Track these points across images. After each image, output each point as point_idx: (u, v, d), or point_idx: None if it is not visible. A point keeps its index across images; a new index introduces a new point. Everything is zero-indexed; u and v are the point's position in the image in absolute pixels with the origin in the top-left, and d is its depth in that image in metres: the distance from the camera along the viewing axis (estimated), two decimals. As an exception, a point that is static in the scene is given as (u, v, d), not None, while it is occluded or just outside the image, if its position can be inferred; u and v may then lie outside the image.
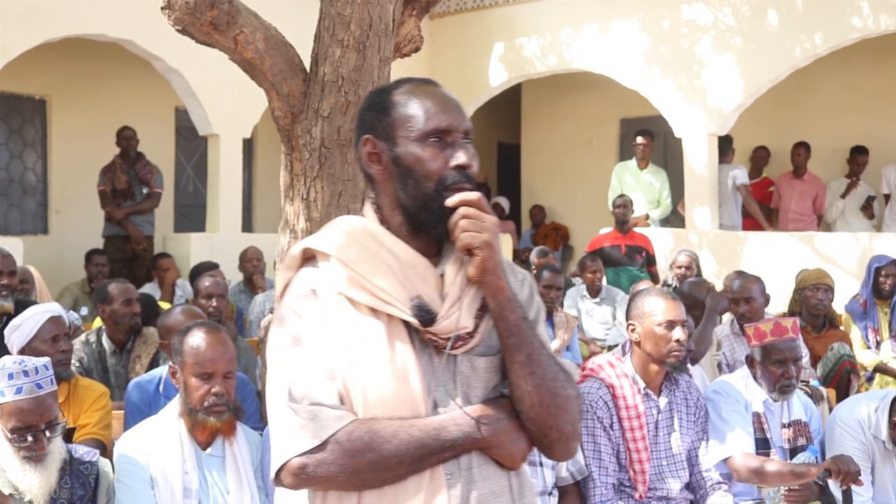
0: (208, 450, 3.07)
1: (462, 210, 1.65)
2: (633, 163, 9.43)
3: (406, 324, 1.67)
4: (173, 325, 4.15)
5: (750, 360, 3.88)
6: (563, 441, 1.72)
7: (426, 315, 1.65)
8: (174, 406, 3.13)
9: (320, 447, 1.60)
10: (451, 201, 1.66)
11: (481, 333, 1.72)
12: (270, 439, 1.68)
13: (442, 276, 1.70)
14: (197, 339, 3.03)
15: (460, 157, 1.70)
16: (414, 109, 1.72)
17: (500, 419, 1.68)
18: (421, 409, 1.65)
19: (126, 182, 8.21)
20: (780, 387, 3.77)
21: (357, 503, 1.65)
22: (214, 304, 5.54)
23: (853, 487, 3.59)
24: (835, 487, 3.66)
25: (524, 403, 1.68)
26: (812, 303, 5.81)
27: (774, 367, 3.76)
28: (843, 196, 9.23)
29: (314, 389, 1.63)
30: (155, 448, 3.03)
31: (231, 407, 3.04)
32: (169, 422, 3.09)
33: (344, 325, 1.66)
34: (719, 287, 6.10)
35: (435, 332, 1.67)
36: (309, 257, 1.76)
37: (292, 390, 1.64)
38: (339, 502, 1.66)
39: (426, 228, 1.71)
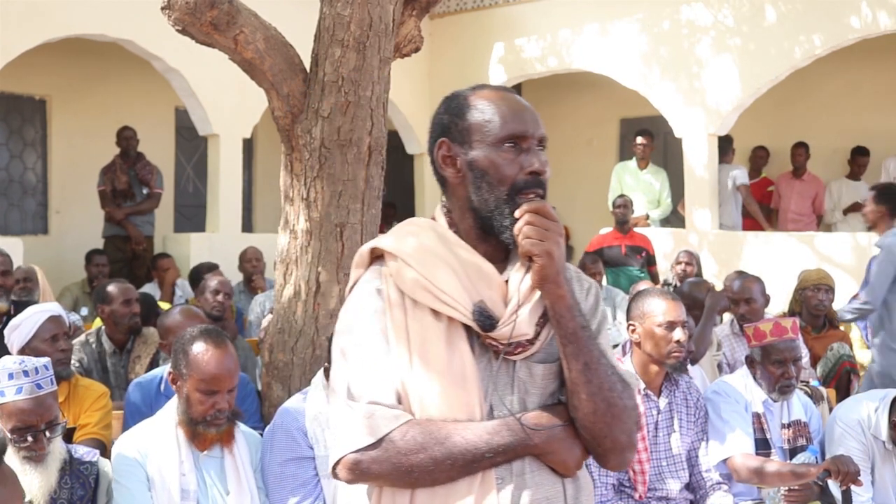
0: (206, 451, 3.07)
1: (527, 217, 1.68)
2: (632, 163, 9.43)
3: (467, 327, 1.70)
4: (172, 326, 4.15)
5: (750, 361, 3.89)
6: (618, 451, 1.73)
7: (486, 320, 1.67)
8: (171, 409, 3.11)
9: (375, 445, 1.63)
10: (518, 211, 1.69)
11: (542, 340, 1.73)
12: (332, 433, 1.72)
13: (507, 282, 1.72)
14: (203, 353, 2.96)
15: (534, 163, 1.73)
16: (491, 114, 1.76)
17: (554, 427, 1.69)
18: (476, 412, 1.67)
19: (126, 182, 8.21)
20: (780, 387, 3.77)
21: (410, 500, 1.68)
22: (220, 299, 5.58)
23: (853, 488, 3.59)
24: (834, 487, 3.66)
25: (579, 412, 1.70)
26: (813, 303, 5.81)
27: (774, 368, 3.76)
28: (845, 213, 9.23)
29: (372, 388, 1.66)
30: (152, 449, 3.02)
31: (230, 416, 3.03)
32: (166, 423, 3.08)
33: (405, 326, 1.69)
34: (719, 287, 6.10)
35: (494, 338, 1.68)
36: (377, 256, 1.79)
37: (351, 387, 1.68)
38: (393, 498, 1.69)
39: (495, 233, 1.74)
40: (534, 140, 1.76)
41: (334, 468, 1.69)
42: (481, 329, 1.68)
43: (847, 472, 3.48)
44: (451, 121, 1.80)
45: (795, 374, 3.80)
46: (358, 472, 1.65)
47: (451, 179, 1.79)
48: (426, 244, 1.74)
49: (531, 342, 1.72)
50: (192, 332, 3.08)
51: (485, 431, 1.65)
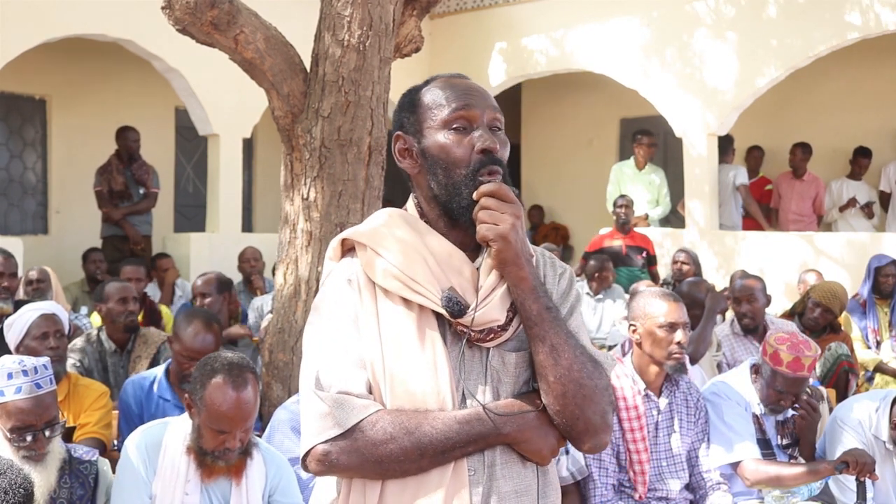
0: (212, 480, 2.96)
1: (483, 201, 1.66)
2: (630, 162, 9.42)
3: (438, 316, 1.68)
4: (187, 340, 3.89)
5: (756, 370, 3.85)
6: (592, 432, 1.69)
7: (456, 306, 1.65)
8: (183, 428, 2.98)
9: (344, 435, 1.61)
10: (475, 194, 1.67)
11: (514, 328, 1.71)
12: (302, 424, 1.69)
13: (478, 269, 1.71)
14: (220, 393, 2.82)
15: (485, 141, 1.71)
16: (436, 100, 1.76)
17: (525, 413, 1.67)
18: (448, 401, 1.65)
19: (122, 182, 8.19)
20: (771, 409, 3.76)
21: (380, 492, 1.65)
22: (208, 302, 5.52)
23: (867, 481, 3.61)
24: (849, 481, 3.68)
25: (549, 395, 1.67)
26: (810, 315, 5.76)
27: (773, 392, 3.72)
28: (842, 210, 9.23)
29: (342, 378, 1.65)
30: (160, 464, 2.93)
31: (242, 450, 2.92)
32: (176, 441, 2.97)
33: (375, 315, 1.68)
34: (719, 287, 6.09)
35: (465, 324, 1.67)
36: (349, 248, 1.79)
37: (321, 378, 1.66)
38: (363, 490, 1.67)
39: (458, 217, 1.72)
40: (482, 119, 1.73)
41: (304, 459, 1.66)
42: (451, 315, 1.65)
43: (864, 464, 3.49)
44: (404, 115, 1.80)
45: (789, 406, 3.77)
46: (327, 464, 1.63)
47: (410, 171, 1.78)
48: (396, 233, 1.72)
49: (503, 329, 1.69)
50: (216, 364, 2.91)
51: (455, 421, 1.63)
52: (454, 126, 1.72)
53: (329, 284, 1.75)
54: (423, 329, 1.66)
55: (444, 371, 1.65)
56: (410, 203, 1.81)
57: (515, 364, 1.71)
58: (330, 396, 1.63)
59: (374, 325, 1.67)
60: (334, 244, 1.79)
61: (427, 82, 1.82)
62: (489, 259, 1.69)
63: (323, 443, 1.62)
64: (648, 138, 9.22)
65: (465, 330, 1.67)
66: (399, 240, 1.71)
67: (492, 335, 1.69)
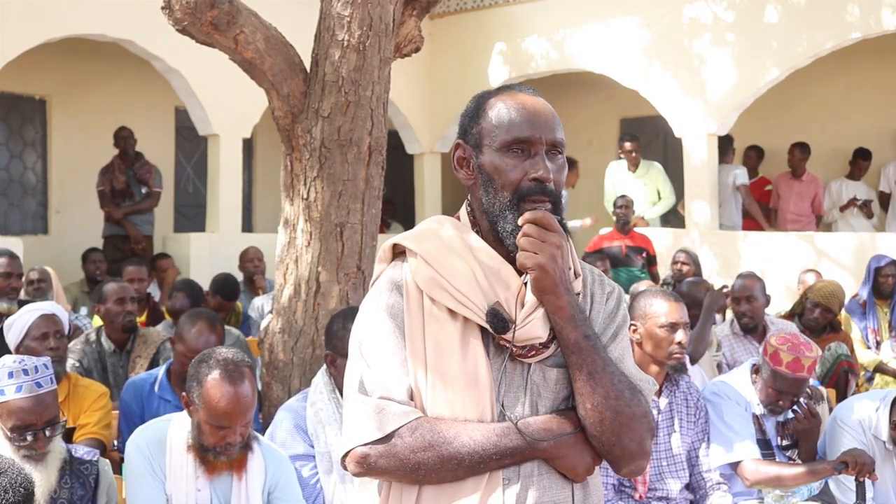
0: (214, 476, 2.95)
1: (525, 228, 1.68)
2: (624, 164, 9.36)
3: (483, 328, 1.70)
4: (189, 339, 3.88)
5: (756, 370, 3.84)
6: (629, 458, 1.72)
7: (500, 322, 1.67)
8: (186, 425, 2.97)
9: (384, 439, 1.65)
10: (520, 220, 1.69)
11: (556, 345, 1.72)
12: (344, 425, 1.73)
13: (526, 284, 1.71)
14: (217, 389, 2.81)
15: (539, 170, 1.71)
16: (500, 118, 1.75)
17: (564, 433, 1.69)
18: (487, 413, 1.67)
19: (124, 182, 8.21)
20: (771, 409, 3.76)
21: (417, 496, 1.68)
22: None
23: (867, 482, 3.61)
24: (849, 481, 3.68)
25: (586, 421, 1.69)
26: (810, 316, 5.76)
27: (773, 392, 3.72)
28: (842, 210, 9.23)
29: (385, 382, 1.68)
30: (168, 463, 2.93)
31: (243, 444, 2.92)
32: (180, 437, 2.96)
33: (421, 323, 1.70)
34: (719, 286, 6.09)
35: (508, 339, 1.68)
36: (400, 252, 1.81)
37: (364, 381, 1.69)
38: (400, 493, 1.70)
39: (504, 240, 1.73)
40: (542, 145, 1.73)
41: (343, 459, 1.71)
42: (494, 331, 1.68)
43: (863, 464, 3.49)
44: (468, 123, 1.81)
45: (788, 407, 3.77)
46: (366, 466, 1.66)
47: (465, 181, 1.80)
48: (447, 242, 1.75)
49: (545, 346, 1.71)
50: (211, 360, 2.90)
51: (493, 433, 1.65)
52: (513, 149, 1.73)
53: (378, 287, 1.78)
54: (467, 340, 1.69)
55: (485, 383, 1.67)
56: (463, 211, 1.83)
57: (556, 380, 1.73)
58: (372, 401, 1.67)
59: (419, 331, 1.70)
60: (386, 247, 1.82)
61: (497, 91, 1.81)
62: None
63: (362, 445, 1.66)
64: (631, 143, 9.10)
65: (507, 345, 1.69)
66: (448, 249, 1.73)
67: (533, 351, 1.71)
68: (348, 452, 1.69)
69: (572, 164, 9.34)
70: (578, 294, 1.76)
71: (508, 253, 1.73)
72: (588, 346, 1.69)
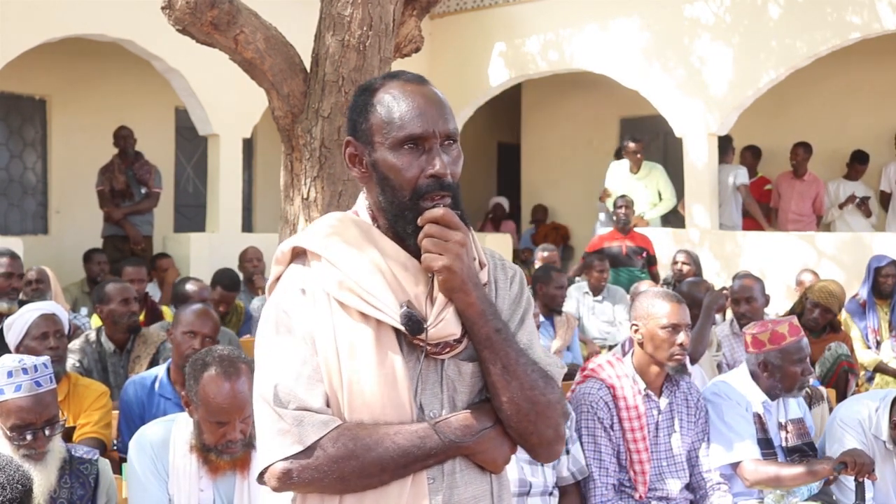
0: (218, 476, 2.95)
1: (426, 228, 1.63)
2: (626, 165, 9.37)
3: (395, 327, 1.66)
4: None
5: (764, 366, 3.80)
6: (546, 445, 1.72)
7: (415, 325, 1.63)
8: (187, 427, 2.98)
9: (305, 452, 1.60)
10: (420, 220, 1.64)
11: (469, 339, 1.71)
12: (260, 439, 1.67)
13: (433, 277, 1.67)
14: (213, 384, 2.82)
15: (435, 165, 1.65)
16: (390, 114, 1.68)
17: (485, 428, 1.68)
18: (407, 413, 1.64)
19: (124, 182, 8.20)
20: (801, 385, 3.77)
21: None
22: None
23: (867, 482, 3.61)
24: (848, 481, 3.68)
25: (503, 412, 1.68)
26: (810, 316, 5.76)
27: (796, 368, 3.72)
28: (841, 207, 9.24)
29: (300, 392, 1.62)
30: (171, 463, 2.93)
31: (246, 442, 2.90)
32: (183, 437, 2.96)
33: (332, 327, 1.65)
34: (719, 287, 6.09)
35: (423, 339, 1.66)
36: (299, 253, 1.74)
37: (278, 392, 1.63)
38: (321, 501, 1.66)
39: (405, 240, 1.68)
40: (436, 139, 1.66)
41: (261, 476, 1.65)
42: (409, 332, 1.64)
43: (862, 465, 3.50)
44: (356, 118, 1.73)
45: (810, 373, 3.83)
46: (288, 482, 1.61)
47: (360, 179, 1.73)
48: (350, 242, 1.68)
49: (458, 341, 1.68)
50: (207, 358, 2.92)
51: (416, 436, 1.62)
52: (406, 146, 1.66)
53: (280, 293, 1.71)
54: (381, 342, 1.64)
55: (403, 383, 1.64)
56: (362, 207, 1.76)
57: (471, 374, 1.71)
58: (289, 413, 1.61)
59: (330, 336, 1.64)
60: (284, 250, 1.74)
61: (382, 82, 1.73)
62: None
63: (282, 460, 1.60)
64: (635, 145, 9.08)
65: (421, 343, 1.66)
66: (353, 249, 1.67)
67: (448, 348, 1.68)
68: (267, 468, 1.62)
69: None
70: (485, 284, 1.72)
71: (412, 247, 1.68)
72: (500, 340, 1.67)
